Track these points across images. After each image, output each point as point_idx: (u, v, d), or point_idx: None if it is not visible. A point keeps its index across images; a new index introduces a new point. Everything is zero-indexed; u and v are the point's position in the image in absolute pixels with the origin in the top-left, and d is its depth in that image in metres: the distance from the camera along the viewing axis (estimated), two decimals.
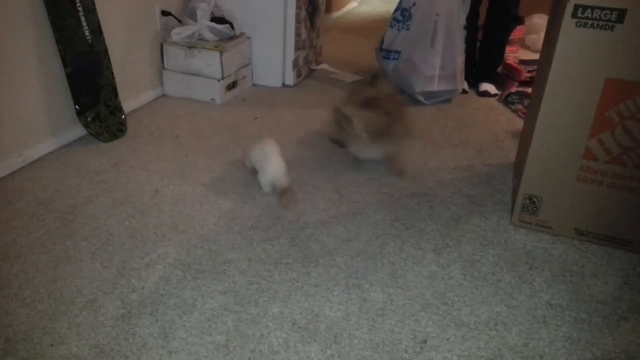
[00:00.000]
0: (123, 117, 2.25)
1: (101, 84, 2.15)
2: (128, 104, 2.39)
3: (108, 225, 1.62)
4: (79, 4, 1.99)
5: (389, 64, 2.74)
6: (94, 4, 2.06)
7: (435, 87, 2.64)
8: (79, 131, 2.14)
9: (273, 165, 1.79)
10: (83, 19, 2.02)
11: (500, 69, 3.03)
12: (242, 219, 1.68)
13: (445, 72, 2.62)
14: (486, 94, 2.85)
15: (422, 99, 2.67)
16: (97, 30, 2.09)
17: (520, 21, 2.98)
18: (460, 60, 2.64)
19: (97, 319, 1.27)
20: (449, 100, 2.73)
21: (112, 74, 2.20)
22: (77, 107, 2.06)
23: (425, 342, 1.25)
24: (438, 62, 2.59)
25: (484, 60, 2.92)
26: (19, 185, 1.81)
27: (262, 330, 1.26)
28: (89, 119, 2.10)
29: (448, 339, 1.26)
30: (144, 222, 1.65)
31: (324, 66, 3.19)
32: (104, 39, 2.13)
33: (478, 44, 2.91)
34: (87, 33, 2.05)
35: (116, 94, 2.23)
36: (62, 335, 1.23)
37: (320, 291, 1.39)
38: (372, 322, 1.29)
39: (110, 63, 2.18)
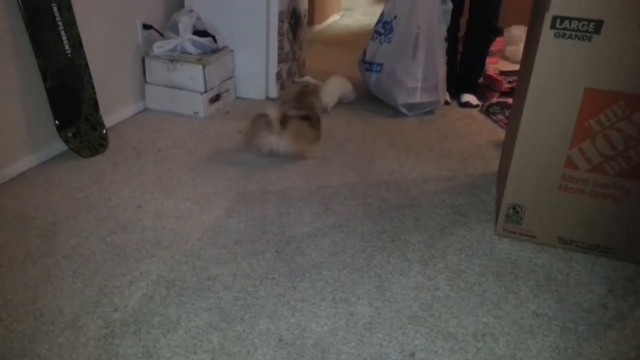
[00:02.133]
0: (104, 131, 2.22)
1: (82, 99, 2.13)
2: (109, 118, 2.36)
3: (89, 242, 1.59)
4: (58, 18, 1.97)
5: (371, 76, 2.76)
6: (73, 17, 2.04)
7: (418, 98, 2.66)
8: (60, 146, 2.11)
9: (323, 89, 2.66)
10: (63, 32, 2.00)
11: (481, 80, 3.06)
12: (227, 233, 1.66)
13: (427, 83, 2.65)
14: (468, 105, 2.89)
15: (404, 110, 2.69)
16: (77, 44, 2.07)
17: (499, 32, 3.03)
18: (441, 71, 2.67)
19: (78, 339, 1.24)
20: (431, 111, 2.75)
21: (93, 88, 2.17)
22: (56, 122, 2.03)
23: (413, 355, 1.24)
24: (420, 74, 2.61)
25: (465, 71, 2.95)
26: None
27: (248, 347, 1.24)
28: (69, 134, 2.07)
29: (436, 352, 1.25)
30: (126, 238, 1.62)
31: (307, 78, 3.19)
32: (84, 53, 2.11)
33: (459, 56, 2.95)
34: (67, 47, 2.02)
35: (97, 109, 2.20)
36: (42, 356, 1.19)
37: (307, 306, 1.38)
38: (360, 336, 1.28)
39: (90, 77, 2.16)
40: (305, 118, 2.16)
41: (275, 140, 2.06)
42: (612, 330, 1.34)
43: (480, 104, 2.90)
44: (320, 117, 2.33)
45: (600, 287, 1.49)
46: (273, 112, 2.02)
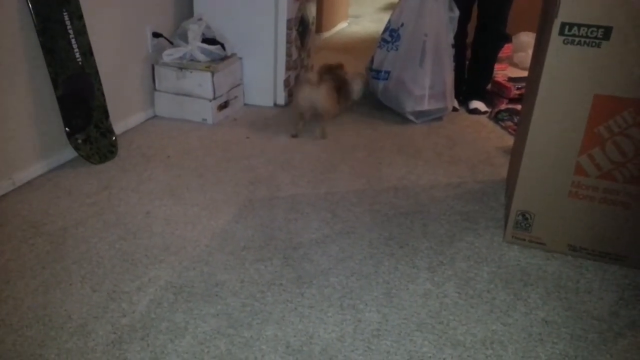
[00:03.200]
0: (114, 138, 2.24)
1: (92, 106, 2.15)
2: (119, 125, 2.38)
3: (98, 247, 1.60)
4: (69, 27, 2.00)
5: (378, 84, 2.77)
6: (84, 26, 2.07)
7: (425, 106, 2.66)
8: (70, 153, 2.13)
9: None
10: (73, 41, 2.02)
11: (489, 87, 3.05)
12: (234, 239, 1.67)
13: (435, 91, 2.65)
14: (476, 111, 2.88)
15: (412, 118, 2.69)
16: (87, 52, 2.09)
17: (508, 39, 3.03)
18: (449, 78, 2.67)
19: (87, 345, 1.25)
20: (439, 118, 2.75)
21: (103, 95, 2.20)
22: (67, 129, 2.05)
23: None
24: (427, 81, 2.62)
25: (473, 77, 2.96)
26: (8, 209, 1.79)
27: (256, 353, 1.24)
28: (79, 141, 2.09)
29: (444, 359, 1.24)
30: (135, 244, 1.63)
31: None
32: (94, 61, 2.13)
33: (467, 62, 2.95)
34: (77, 55, 2.05)
35: (107, 116, 2.22)
36: None
37: (314, 312, 1.37)
38: (367, 343, 1.28)
39: (100, 85, 2.18)
40: (337, 89, 2.49)
41: (313, 93, 2.38)
42: (624, 338, 1.32)
43: (489, 110, 2.89)
44: (350, 91, 2.71)
45: (611, 295, 1.48)
46: (313, 74, 2.44)
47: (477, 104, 2.91)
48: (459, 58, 2.78)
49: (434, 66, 2.61)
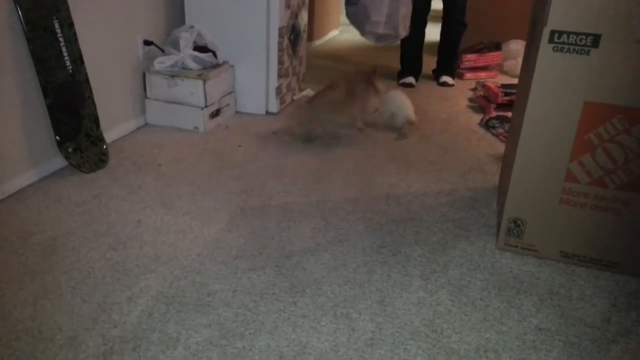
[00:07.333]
0: (104, 147, 2.23)
1: (82, 114, 2.13)
2: (110, 134, 2.37)
3: (88, 257, 1.58)
4: (59, 34, 1.99)
5: (349, 9, 3.17)
6: (74, 34, 2.05)
7: (381, 30, 3.08)
8: (60, 162, 2.11)
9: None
10: (64, 49, 2.01)
11: (481, 92, 3.20)
12: (226, 248, 1.66)
13: (390, 19, 3.05)
14: (445, 84, 3.55)
15: (370, 38, 3.14)
16: (78, 60, 2.08)
17: (467, 27, 3.48)
18: (403, 10, 3.06)
19: (77, 356, 1.23)
20: (432, 126, 2.76)
21: (94, 103, 2.18)
22: (57, 137, 2.03)
23: None
24: (385, 10, 3.02)
25: (442, 58, 3.61)
26: None
27: None
28: (70, 150, 2.07)
29: None
30: (126, 253, 1.61)
31: (308, 91, 3.21)
32: (85, 69, 2.12)
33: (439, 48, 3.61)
34: (68, 63, 2.04)
35: (97, 124, 2.21)
36: None
37: (308, 321, 1.36)
38: (361, 353, 1.27)
39: (91, 93, 2.16)
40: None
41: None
42: (616, 345, 1.33)
43: (454, 84, 3.54)
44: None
45: (604, 302, 1.48)
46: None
47: (446, 78, 3.57)
48: (417, 41, 3.47)
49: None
